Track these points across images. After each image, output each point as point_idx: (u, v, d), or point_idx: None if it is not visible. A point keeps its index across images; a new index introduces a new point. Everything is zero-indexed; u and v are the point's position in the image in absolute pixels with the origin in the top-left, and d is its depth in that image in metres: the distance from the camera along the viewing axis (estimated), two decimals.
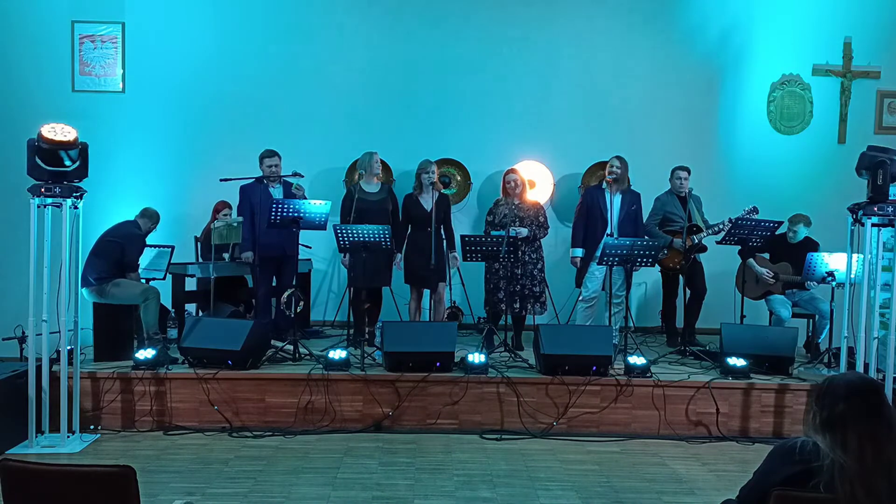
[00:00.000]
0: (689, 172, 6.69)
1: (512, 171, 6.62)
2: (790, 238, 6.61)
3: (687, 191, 6.62)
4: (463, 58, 7.83)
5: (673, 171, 6.72)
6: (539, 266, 6.53)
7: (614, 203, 6.40)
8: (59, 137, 4.70)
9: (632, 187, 6.52)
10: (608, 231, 6.32)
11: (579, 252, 6.50)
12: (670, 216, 6.65)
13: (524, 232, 6.33)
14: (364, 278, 6.08)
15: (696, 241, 6.51)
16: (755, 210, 6.26)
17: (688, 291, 6.64)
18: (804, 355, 6.36)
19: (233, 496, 4.13)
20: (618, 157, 6.49)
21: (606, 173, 6.52)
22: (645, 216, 6.78)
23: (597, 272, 6.39)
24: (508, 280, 6.28)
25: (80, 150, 4.91)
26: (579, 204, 6.68)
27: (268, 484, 4.33)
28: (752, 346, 5.69)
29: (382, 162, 7.31)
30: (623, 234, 6.26)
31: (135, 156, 7.67)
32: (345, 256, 6.34)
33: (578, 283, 6.64)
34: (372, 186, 6.49)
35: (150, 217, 6.15)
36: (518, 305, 6.40)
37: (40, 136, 4.69)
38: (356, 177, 6.60)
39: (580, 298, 6.56)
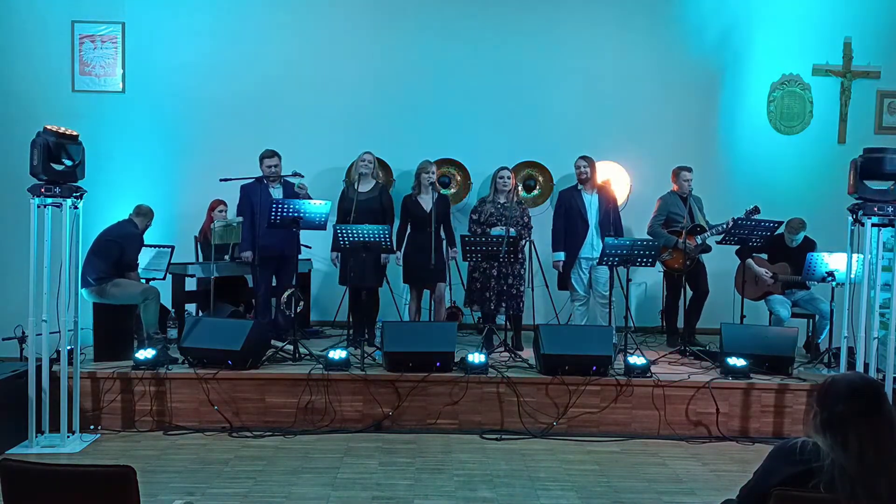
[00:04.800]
0: (691, 172, 6.69)
1: (504, 168, 6.61)
2: (789, 242, 6.59)
3: (689, 190, 6.62)
4: (463, 58, 7.82)
5: (679, 173, 6.66)
6: (524, 266, 6.55)
7: (592, 203, 6.43)
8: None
9: (602, 184, 6.54)
10: (589, 231, 6.37)
11: (561, 256, 6.50)
12: (674, 216, 6.64)
13: (513, 233, 6.33)
14: (354, 278, 6.08)
15: (700, 241, 6.51)
16: (756, 210, 6.25)
17: (690, 292, 6.63)
18: (804, 355, 6.36)
19: (233, 496, 4.14)
20: (583, 157, 6.50)
21: (576, 174, 6.54)
22: (647, 217, 6.78)
23: (581, 273, 6.46)
24: (497, 279, 6.27)
25: (81, 148, 4.92)
26: (557, 206, 6.69)
27: (268, 484, 4.33)
28: (752, 346, 5.68)
29: (382, 162, 7.31)
30: (604, 233, 6.33)
31: (135, 156, 7.67)
32: (335, 256, 6.36)
33: (561, 286, 6.67)
34: (365, 186, 6.49)
35: (146, 214, 6.13)
36: (505, 305, 6.40)
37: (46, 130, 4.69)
38: (355, 177, 6.61)
39: (573, 300, 6.60)
